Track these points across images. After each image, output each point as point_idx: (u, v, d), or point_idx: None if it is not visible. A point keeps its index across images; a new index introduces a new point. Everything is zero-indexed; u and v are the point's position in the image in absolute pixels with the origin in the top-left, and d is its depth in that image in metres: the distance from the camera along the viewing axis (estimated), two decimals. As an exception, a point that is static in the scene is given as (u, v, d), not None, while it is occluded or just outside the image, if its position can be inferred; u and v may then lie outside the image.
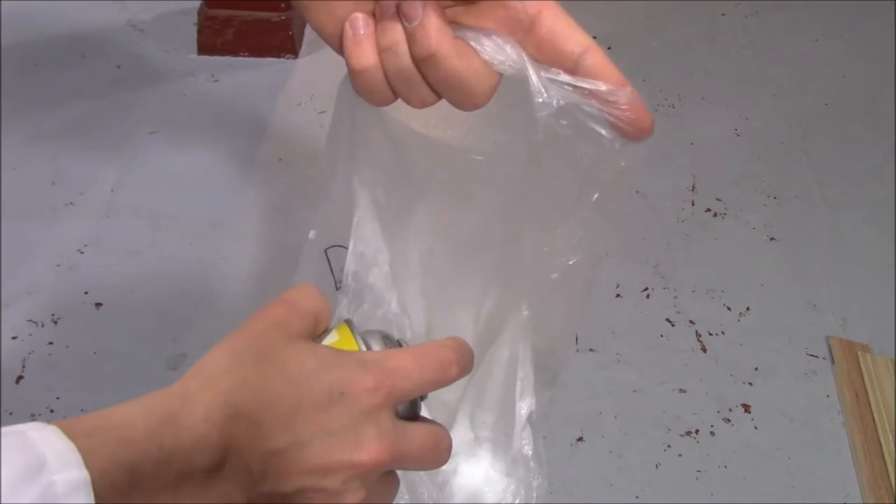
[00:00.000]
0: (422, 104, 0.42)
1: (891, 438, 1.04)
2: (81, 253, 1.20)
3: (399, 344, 0.43)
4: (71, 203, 1.27)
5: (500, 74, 0.41)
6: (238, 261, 1.22)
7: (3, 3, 1.57)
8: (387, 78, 0.42)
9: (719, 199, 1.37)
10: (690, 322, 1.19)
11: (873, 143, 1.50)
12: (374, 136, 0.45)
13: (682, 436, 1.06)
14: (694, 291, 1.23)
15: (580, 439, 1.04)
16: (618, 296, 1.21)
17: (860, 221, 1.35)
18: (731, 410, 1.09)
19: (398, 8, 0.40)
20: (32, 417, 1.00)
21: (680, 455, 1.04)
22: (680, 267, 1.26)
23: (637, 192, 1.37)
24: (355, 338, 0.41)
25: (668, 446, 1.05)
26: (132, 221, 1.25)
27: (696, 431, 1.06)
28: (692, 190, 1.38)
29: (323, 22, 0.42)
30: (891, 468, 1.01)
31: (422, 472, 0.47)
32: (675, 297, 1.21)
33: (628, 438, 1.05)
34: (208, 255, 1.22)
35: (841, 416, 1.09)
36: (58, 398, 1.04)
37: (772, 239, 1.32)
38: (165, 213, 1.26)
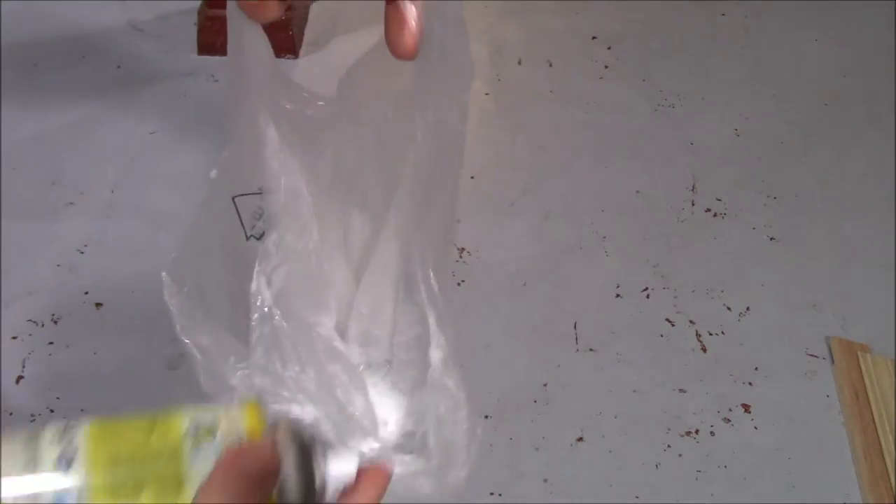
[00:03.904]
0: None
1: (891, 438, 1.04)
2: (81, 253, 1.20)
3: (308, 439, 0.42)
4: (71, 203, 1.27)
5: None
6: (238, 261, 1.21)
7: (3, 3, 1.57)
8: None
9: (719, 199, 1.37)
10: (690, 322, 1.19)
11: (873, 143, 1.50)
12: (268, 71, 0.45)
13: (682, 436, 1.06)
14: (694, 291, 1.23)
15: (580, 439, 1.04)
16: (618, 296, 1.21)
17: (860, 221, 1.35)
18: (731, 410, 1.09)
19: None
20: (32, 417, 1.01)
21: (680, 455, 1.04)
22: (680, 267, 1.26)
23: (637, 192, 1.37)
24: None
25: (668, 446, 1.05)
26: (132, 221, 1.25)
27: (696, 431, 1.06)
28: (692, 190, 1.38)
29: None
30: (891, 468, 1.01)
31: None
32: (675, 297, 1.21)
33: (628, 438, 1.05)
34: (208, 255, 1.22)
35: (841, 416, 1.09)
36: (58, 398, 1.04)
37: (772, 239, 1.32)
38: (165, 213, 1.26)
